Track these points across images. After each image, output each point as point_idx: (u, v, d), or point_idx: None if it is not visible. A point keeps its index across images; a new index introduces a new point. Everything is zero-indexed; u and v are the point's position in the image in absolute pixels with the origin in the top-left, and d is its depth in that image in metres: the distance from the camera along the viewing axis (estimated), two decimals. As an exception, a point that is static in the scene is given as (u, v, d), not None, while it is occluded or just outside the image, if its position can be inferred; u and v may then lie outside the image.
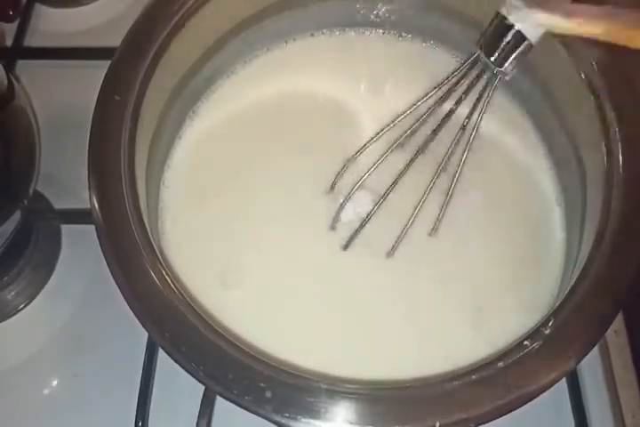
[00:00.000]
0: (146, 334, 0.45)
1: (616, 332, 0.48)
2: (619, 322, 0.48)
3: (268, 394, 0.30)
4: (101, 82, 0.38)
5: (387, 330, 0.39)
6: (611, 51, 0.38)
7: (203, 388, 0.42)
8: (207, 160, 0.45)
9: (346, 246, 0.42)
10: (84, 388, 0.46)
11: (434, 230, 0.42)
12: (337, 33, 0.49)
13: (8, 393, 0.46)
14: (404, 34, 0.49)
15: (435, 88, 0.41)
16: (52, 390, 0.46)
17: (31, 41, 0.58)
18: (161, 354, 0.45)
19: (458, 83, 0.40)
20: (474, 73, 0.39)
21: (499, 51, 0.36)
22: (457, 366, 0.36)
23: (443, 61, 0.48)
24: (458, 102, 0.41)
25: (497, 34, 0.36)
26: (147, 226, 0.35)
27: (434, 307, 0.40)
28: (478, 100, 0.40)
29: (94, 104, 0.37)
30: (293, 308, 0.40)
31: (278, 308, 0.40)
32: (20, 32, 0.58)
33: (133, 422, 0.43)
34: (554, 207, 0.44)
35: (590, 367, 0.45)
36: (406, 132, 0.41)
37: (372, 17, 0.48)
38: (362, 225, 0.41)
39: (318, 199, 0.43)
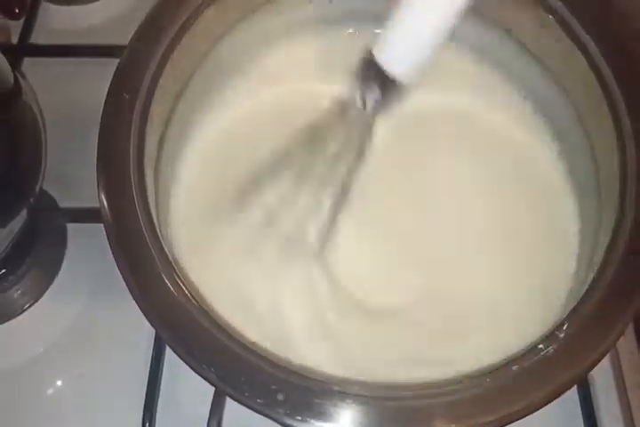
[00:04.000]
0: (153, 334, 0.45)
1: (625, 335, 0.47)
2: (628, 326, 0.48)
3: (280, 397, 0.30)
4: (109, 80, 0.38)
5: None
6: (623, 47, 0.38)
7: (210, 389, 0.41)
8: (216, 157, 0.44)
9: None
10: (89, 388, 0.45)
11: None
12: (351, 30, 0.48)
13: (13, 392, 0.45)
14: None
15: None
16: (56, 389, 0.46)
17: (37, 38, 0.58)
18: (168, 354, 0.45)
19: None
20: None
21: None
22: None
23: (452, 58, 0.47)
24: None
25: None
26: (156, 224, 0.35)
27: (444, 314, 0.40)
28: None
29: (100, 102, 0.37)
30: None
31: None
32: (26, 29, 0.58)
33: (140, 423, 0.43)
34: (571, 218, 0.43)
35: (600, 371, 0.45)
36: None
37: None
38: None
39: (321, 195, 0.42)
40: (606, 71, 0.38)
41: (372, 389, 0.31)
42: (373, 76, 0.37)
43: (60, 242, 0.50)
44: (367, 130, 0.40)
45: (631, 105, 0.37)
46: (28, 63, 0.56)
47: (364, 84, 0.38)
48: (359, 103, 0.39)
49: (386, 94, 0.37)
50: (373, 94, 0.38)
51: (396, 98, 0.38)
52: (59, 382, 0.46)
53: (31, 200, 0.43)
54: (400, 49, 0.36)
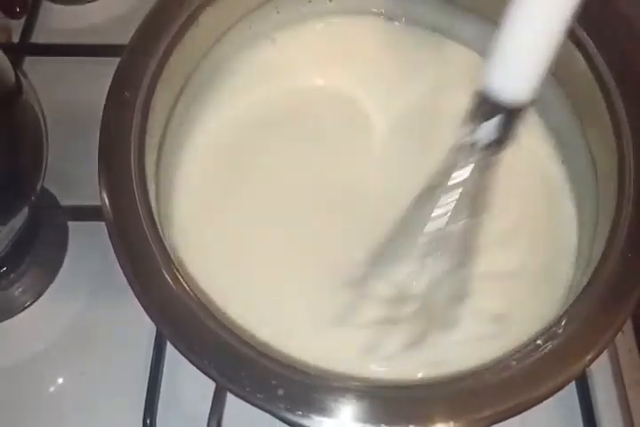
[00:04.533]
0: (153, 332, 0.46)
1: (623, 332, 0.48)
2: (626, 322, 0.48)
3: (280, 392, 0.30)
4: (110, 79, 0.38)
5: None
6: (623, 48, 0.39)
7: (210, 388, 0.42)
8: (214, 156, 0.44)
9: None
10: (90, 386, 0.45)
11: None
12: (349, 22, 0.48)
13: (14, 390, 0.46)
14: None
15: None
16: (58, 387, 0.46)
17: (38, 37, 0.58)
18: (169, 351, 0.45)
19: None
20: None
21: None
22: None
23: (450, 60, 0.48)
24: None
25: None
26: (157, 221, 0.35)
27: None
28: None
29: (101, 100, 0.37)
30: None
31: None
32: (28, 28, 0.58)
33: (141, 421, 0.43)
34: (569, 214, 0.43)
35: (599, 367, 0.45)
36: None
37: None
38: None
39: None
40: (605, 72, 0.38)
41: (372, 384, 0.31)
42: (488, 112, 0.32)
43: (61, 240, 0.50)
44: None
45: (630, 105, 0.38)
46: (29, 62, 0.56)
47: (479, 123, 0.32)
48: (472, 146, 0.34)
49: (503, 129, 0.32)
50: (489, 133, 0.32)
51: (514, 128, 0.32)
52: (59, 381, 0.46)
53: (32, 198, 0.43)
54: (515, 66, 0.31)
